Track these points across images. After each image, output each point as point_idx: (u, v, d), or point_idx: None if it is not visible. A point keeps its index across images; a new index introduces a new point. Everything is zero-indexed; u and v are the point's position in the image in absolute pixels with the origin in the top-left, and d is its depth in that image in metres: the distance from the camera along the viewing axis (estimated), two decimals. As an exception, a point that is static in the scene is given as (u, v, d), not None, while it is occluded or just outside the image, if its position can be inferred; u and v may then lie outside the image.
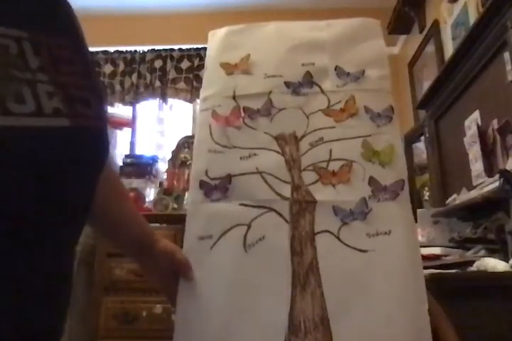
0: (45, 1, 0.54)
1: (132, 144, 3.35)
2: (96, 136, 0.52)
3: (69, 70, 0.51)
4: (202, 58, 3.20)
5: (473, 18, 2.03)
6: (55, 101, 0.47)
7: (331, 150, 0.81)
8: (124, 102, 3.33)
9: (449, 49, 2.35)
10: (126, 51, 3.42)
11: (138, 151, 3.32)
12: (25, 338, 0.47)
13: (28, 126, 0.44)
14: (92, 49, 3.32)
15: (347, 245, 0.74)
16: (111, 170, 0.76)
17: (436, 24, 2.60)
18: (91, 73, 0.56)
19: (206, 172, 0.82)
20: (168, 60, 3.36)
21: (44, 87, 0.47)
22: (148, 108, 3.43)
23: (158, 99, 3.36)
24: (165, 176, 3.04)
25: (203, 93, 0.92)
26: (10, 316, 0.45)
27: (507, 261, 1.23)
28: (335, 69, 0.89)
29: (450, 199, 1.98)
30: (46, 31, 0.50)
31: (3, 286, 0.44)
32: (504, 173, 1.42)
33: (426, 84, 2.61)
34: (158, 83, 3.32)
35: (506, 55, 1.65)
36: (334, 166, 0.80)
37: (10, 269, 0.44)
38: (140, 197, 2.82)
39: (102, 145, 0.53)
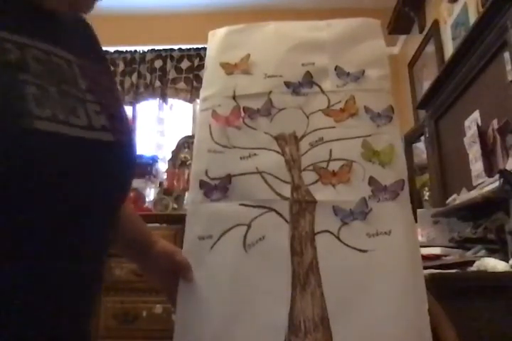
0: (88, 33, 0.69)
1: (132, 144, 3.35)
2: (132, 149, 0.62)
3: (107, 93, 0.60)
4: (202, 58, 3.20)
5: (473, 18, 2.03)
6: (102, 118, 0.55)
7: (331, 150, 0.81)
8: (124, 102, 3.33)
9: (449, 49, 2.35)
10: (126, 51, 3.42)
11: (138, 151, 3.32)
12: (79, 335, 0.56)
13: (82, 137, 0.51)
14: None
15: (347, 245, 0.74)
16: None
17: (436, 24, 2.60)
18: (117, 92, 0.67)
19: (206, 172, 0.82)
20: (168, 60, 3.36)
21: (92, 106, 0.55)
22: (148, 108, 3.43)
23: (158, 99, 3.36)
24: (165, 176, 3.04)
25: (202, 93, 0.92)
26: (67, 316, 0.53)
27: (507, 261, 1.23)
28: (335, 69, 0.89)
29: (450, 199, 1.98)
30: (89, 58, 0.59)
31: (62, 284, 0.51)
32: (504, 173, 1.42)
33: (426, 84, 2.61)
34: (158, 83, 3.32)
35: (506, 55, 1.65)
36: (334, 166, 0.80)
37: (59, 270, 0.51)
38: (140, 197, 2.82)
39: (134, 156, 0.64)
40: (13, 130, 0.46)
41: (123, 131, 0.59)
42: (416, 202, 2.54)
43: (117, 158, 0.58)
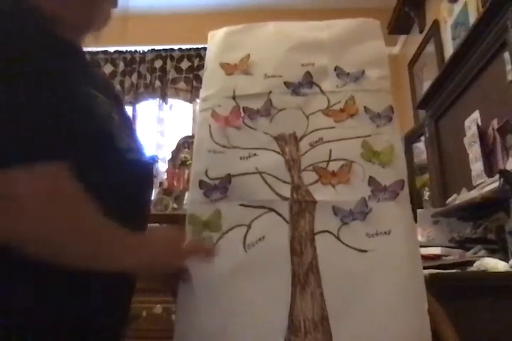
0: (111, 84, 0.93)
1: (132, 144, 3.35)
2: (154, 165, 0.84)
3: (128, 125, 0.79)
4: (202, 58, 3.20)
5: (473, 18, 2.03)
6: (131, 143, 0.73)
7: (330, 151, 0.81)
8: (124, 102, 3.32)
9: (449, 49, 2.35)
10: (126, 51, 3.41)
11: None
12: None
13: (145, 160, 0.77)
14: (92, 49, 3.31)
15: (347, 245, 0.74)
16: None
17: (436, 24, 2.59)
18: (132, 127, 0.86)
19: (206, 172, 0.82)
20: (168, 60, 3.36)
21: (126, 135, 0.72)
22: (148, 108, 3.43)
23: (158, 99, 3.35)
24: (165, 176, 3.04)
25: (202, 93, 0.93)
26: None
27: (507, 261, 1.23)
28: (335, 69, 0.89)
29: (450, 199, 1.98)
30: (117, 100, 0.79)
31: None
32: (504, 173, 1.42)
33: (426, 84, 2.61)
34: (158, 83, 3.32)
35: (506, 55, 1.65)
36: (334, 166, 0.80)
37: None
38: (140, 197, 2.81)
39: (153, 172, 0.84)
40: (140, 161, 0.73)
41: (143, 152, 0.77)
42: (416, 202, 2.54)
43: (151, 173, 0.81)
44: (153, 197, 2.92)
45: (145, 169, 0.77)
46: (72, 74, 0.64)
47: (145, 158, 0.77)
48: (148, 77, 3.34)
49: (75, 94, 0.62)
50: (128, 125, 0.78)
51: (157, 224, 2.52)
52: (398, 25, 2.98)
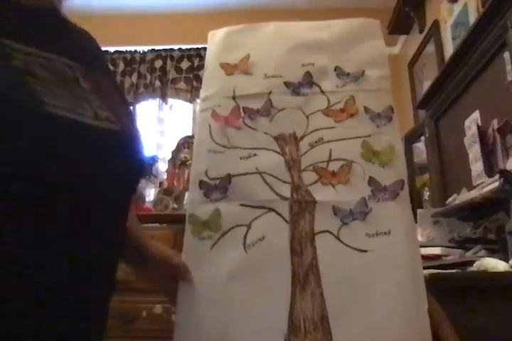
0: (92, 44, 0.75)
1: (132, 144, 3.35)
2: (139, 142, 0.67)
3: (108, 93, 0.66)
4: (202, 58, 3.20)
5: (473, 18, 2.03)
6: (106, 112, 0.61)
7: (330, 151, 0.81)
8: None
9: (449, 49, 2.35)
10: (126, 51, 3.42)
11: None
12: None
13: (93, 124, 0.57)
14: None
15: (347, 245, 0.74)
16: None
17: (436, 24, 2.60)
18: (122, 96, 0.73)
19: (206, 173, 0.82)
20: (168, 60, 3.36)
21: (96, 103, 0.60)
22: (148, 108, 3.43)
23: (158, 99, 3.36)
24: (165, 176, 3.04)
25: (202, 93, 0.92)
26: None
27: (507, 261, 1.23)
28: (335, 69, 0.89)
29: (450, 199, 1.98)
30: (90, 65, 0.65)
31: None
32: (504, 173, 1.42)
33: (426, 84, 2.61)
34: (158, 83, 3.32)
35: (506, 55, 1.65)
36: (334, 166, 0.80)
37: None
38: (140, 197, 2.82)
39: (140, 146, 0.68)
40: (36, 116, 0.50)
41: (128, 125, 0.65)
42: (416, 202, 2.54)
43: (126, 147, 0.64)
44: (153, 197, 2.92)
45: (123, 142, 0.63)
46: None
47: (126, 131, 0.64)
48: (148, 77, 3.34)
49: None
50: (105, 94, 0.64)
51: (157, 224, 2.52)
52: (398, 25, 2.99)
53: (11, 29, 0.56)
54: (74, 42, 0.68)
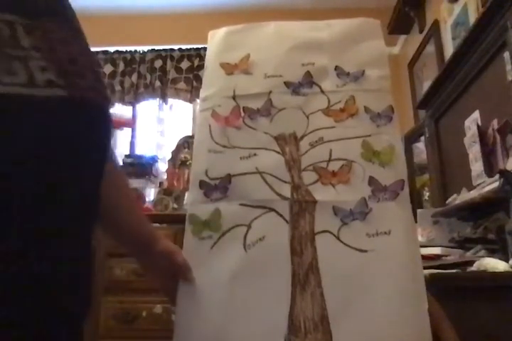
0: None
1: (132, 144, 3.35)
2: (95, 107, 0.54)
3: (62, 48, 0.54)
4: (202, 58, 3.20)
5: (473, 18, 2.03)
6: (49, 74, 0.49)
7: (330, 150, 0.81)
8: (124, 102, 3.32)
9: (449, 49, 2.35)
10: (126, 51, 3.41)
11: (138, 151, 3.32)
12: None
13: (19, 93, 0.46)
14: (92, 49, 3.32)
15: (347, 245, 0.74)
16: (111, 162, 0.71)
17: (436, 24, 2.59)
18: (86, 50, 0.59)
19: (206, 172, 0.82)
20: (168, 60, 3.36)
21: (36, 62, 0.49)
22: (148, 108, 3.43)
23: (158, 99, 3.36)
24: (165, 176, 3.04)
25: (202, 93, 0.92)
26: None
27: (507, 261, 1.23)
28: (335, 69, 0.89)
29: (450, 199, 1.98)
30: (40, 16, 0.53)
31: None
32: (504, 173, 1.41)
33: (426, 84, 2.61)
34: (158, 83, 3.32)
35: (506, 55, 1.65)
36: (334, 166, 0.80)
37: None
38: (140, 197, 2.82)
39: (102, 118, 0.55)
40: None
41: (83, 85, 0.53)
42: (416, 202, 2.53)
43: (74, 114, 0.51)
44: (153, 197, 2.92)
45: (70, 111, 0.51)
46: None
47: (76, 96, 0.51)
48: (148, 77, 3.34)
49: None
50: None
51: (157, 224, 2.52)
52: (398, 25, 2.98)
53: None
54: None
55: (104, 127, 0.56)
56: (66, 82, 0.51)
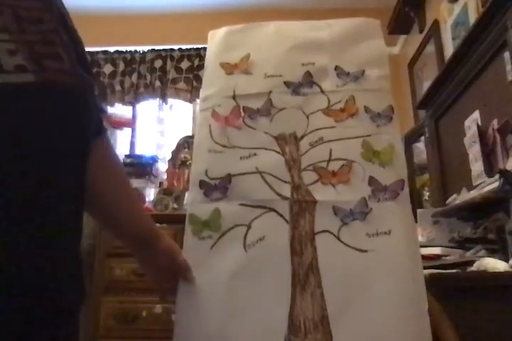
0: None
1: (132, 144, 3.35)
2: (69, 90, 0.50)
3: (37, 29, 0.50)
4: (202, 58, 3.20)
5: (473, 18, 2.03)
6: (18, 58, 0.46)
7: (330, 150, 0.81)
8: (124, 102, 3.32)
9: (449, 49, 2.35)
10: (126, 51, 3.41)
11: (138, 151, 3.32)
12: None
13: None
14: (92, 49, 3.31)
15: (347, 245, 0.74)
16: (106, 152, 0.71)
17: (436, 24, 2.59)
18: (66, 30, 0.54)
19: (206, 172, 0.82)
20: (168, 60, 3.36)
21: (5, 45, 0.46)
22: (148, 108, 3.43)
23: (158, 99, 3.35)
24: (165, 176, 3.04)
25: (202, 93, 0.92)
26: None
27: (507, 261, 1.23)
28: (335, 69, 0.89)
29: (450, 199, 1.98)
30: None
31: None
32: (504, 173, 1.41)
33: (426, 84, 2.61)
34: (158, 83, 3.32)
35: (506, 55, 1.65)
36: (334, 166, 0.80)
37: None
38: (140, 197, 2.81)
39: (79, 101, 0.51)
40: None
41: (56, 68, 0.49)
42: (416, 202, 2.53)
43: (42, 100, 0.48)
44: (153, 197, 2.92)
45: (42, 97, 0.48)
46: None
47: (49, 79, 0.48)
48: (148, 77, 3.34)
49: None
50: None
51: (157, 224, 2.52)
52: (398, 25, 2.98)
53: None
54: None
55: (81, 111, 0.52)
56: (37, 66, 0.47)
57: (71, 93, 0.51)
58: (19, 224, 0.45)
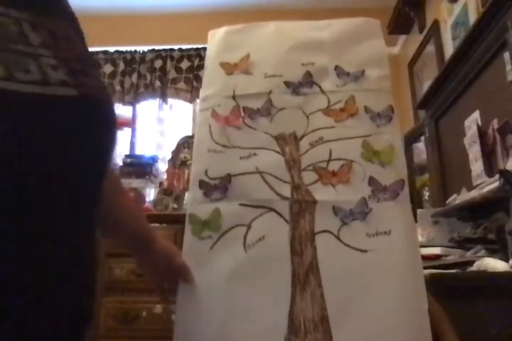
0: None
1: (132, 144, 3.35)
2: (102, 105, 0.54)
3: (68, 46, 0.54)
4: (202, 58, 3.20)
5: (473, 18, 2.03)
6: (60, 73, 0.49)
7: (330, 150, 0.81)
8: (124, 102, 3.32)
9: (449, 49, 2.35)
10: (126, 51, 3.41)
11: (138, 151, 3.32)
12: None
13: (33, 92, 0.46)
14: (92, 49, 3.31)
15: (347, 245, 0.74)
16: None
17: (436, 24, 2.59)
18: (87, 50, 0.59)
19: (206, 172, 0.82)
20: (168, 60, 3.36)
21: (47, 60, 0.49)
22: (148, 108, 3.43)
23: (158, 99, 3.36)
24: (165, 176, 3.04)
25: (202, 93, 0.92)
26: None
27: (507, 261, 1.23)
28: (335, 69, 0.89)
29: (450, 199, 1.98)
30: (44, 13, 0.53)
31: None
32: (504, 173, 1.41)
33: (426, 84, 2.61)
34: (158, 83, 3.32)
35: (506, 55, 1.65)
36: (334, 166, 0.80)
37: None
38: (140, 197, 2.82)
39: (110, 114, 0.55)
40: None
41: (90, 84, 0.53)
42: (416, 202, 2.53)
43: (84, 114, 0.52)
44: (153, 197, 2.92)
45: (82, 109, 0.51)
46: None
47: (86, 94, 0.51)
48: (148, 77, 3.34)
49: None
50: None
51: (157, 224, 2.52)
52: (398, 25, 2.98)
53: None
54: None
55: (112, 125, 0.57)
56: (75, 81, 0.50)
57: (104, 107, 0.55)
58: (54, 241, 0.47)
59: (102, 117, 0.54)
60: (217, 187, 0.81)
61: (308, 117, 0.85)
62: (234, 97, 0.88)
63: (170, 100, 3.38)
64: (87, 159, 0.52)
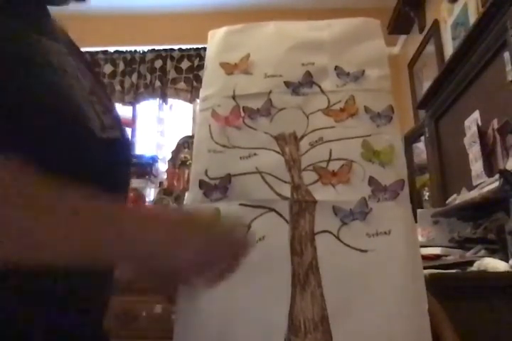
0: (69, 38, 0.64)
1: (132, 144, 3.35)
2: (131, 145, 0.66)
3: (103, 92, 0.61)
4: (202, 58, 3.20)
5: (473, 18, 2.03)
6: (108, 118, 0.56)
7: (330, 150, 0.81)
8: (124, 102, 3.32)
9: (449, 49, 2.35)
10: (126, 51, 3.41)
11: (138, 151, 3.32)
12: None
13: (102, 136, 0.53)
14: (92, 49, 3.31)
15: (347, 245, 0.74)
16: None
17: (436, 24, 2.59)
18: (110, 96, 0.68)
19: (206, 172, 0.82)
20: (168, 60, 3.36)
21: (98, 106, 0.55)
22: (148, 108, 3.43)
23: (158, 99, 3.36)
24: (165, 176, 3.04)
25: (202, 93, 0.92)
26: None
27: (507, 261, 1.23)
28: (335, 69, 0.89)
29: (450, 199, 1.98)
30: (82, 61, 0.60)
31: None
32: (504, 173, 1.41)
33: (426, 84, 2.61)
34: (158, 83, 3.32)
35: (506, 55, 1.65)
36: (334, 166, 0.80)
37: None
38: (140, 197, 2.82)
39: (132, 153, 0.67)
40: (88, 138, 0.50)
41: (122, 128, 0.61)
42: (416, 202, 2.53)
43: (124, 154, 0.61)
44: (153, 197, 2.92)
45: (123, 150, 0.61)
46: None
47: (122, 136, 0.60)
48: (148, 77, 3.34)
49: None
50: (99, 90, 0.59)
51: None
52: (398, 25, 2.98)
53: (39, 25, 0.52)
54: (63, 33, 0.60)
55: (133, 160, 0.70)
56: (117, 125, 0.58)
57: (132, 147, 0.66)
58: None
59: (131, 154, 0.67)
60: (217, 187, 0.81)
61: (308, 117, 0.85)
62: (234, 97, 0.88)
63: (170, 100, 3.38)
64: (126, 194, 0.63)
